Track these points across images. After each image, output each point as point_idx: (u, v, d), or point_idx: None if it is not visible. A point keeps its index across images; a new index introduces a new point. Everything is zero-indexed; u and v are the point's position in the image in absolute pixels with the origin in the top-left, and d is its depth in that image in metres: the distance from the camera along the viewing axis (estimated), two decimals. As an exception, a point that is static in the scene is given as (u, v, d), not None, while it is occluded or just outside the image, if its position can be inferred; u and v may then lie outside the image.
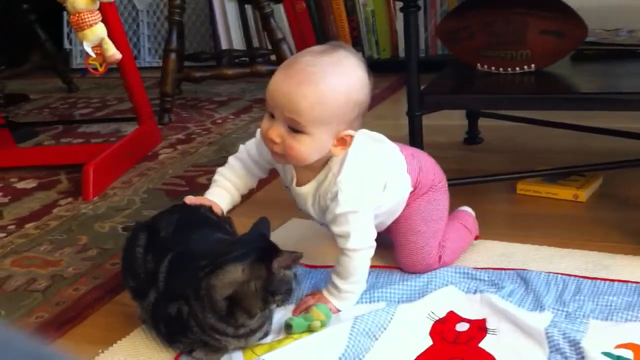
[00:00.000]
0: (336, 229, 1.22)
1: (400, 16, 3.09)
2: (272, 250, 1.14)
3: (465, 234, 1.44)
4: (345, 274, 1.24)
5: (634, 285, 1.24)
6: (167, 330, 1.17)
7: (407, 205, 1.36)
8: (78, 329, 1.31)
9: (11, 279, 1.52)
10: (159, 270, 1.17)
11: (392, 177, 1.31)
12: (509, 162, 1.94)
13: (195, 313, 1.11)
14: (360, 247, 1.23)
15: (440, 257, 1.36)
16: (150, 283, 1.17)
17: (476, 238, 1.47)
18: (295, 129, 1.15)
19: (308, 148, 1.16)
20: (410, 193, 1.35)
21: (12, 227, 1.81)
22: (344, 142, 1.19)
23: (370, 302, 1.28)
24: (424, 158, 1.40)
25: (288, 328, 1.21)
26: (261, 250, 1.14)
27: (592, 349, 1.06)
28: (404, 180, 1.33)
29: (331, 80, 1.14)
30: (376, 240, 1.27)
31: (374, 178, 1.27)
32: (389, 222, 1.37)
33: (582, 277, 1.29)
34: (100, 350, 1.20)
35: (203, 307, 1.10)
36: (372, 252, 1.26)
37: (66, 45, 3.96)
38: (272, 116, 1.17)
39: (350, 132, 1.19)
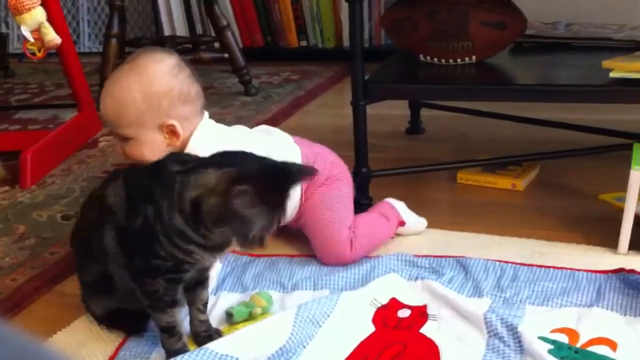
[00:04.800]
0: None
1: (344, 5, 3.11)
2: (276, 181, 1.01)
3: (379, 219, 1.44)
4: None
5: (569, 271, 1.29)
6: (141, 258, 1.05)
7: (310, 195, 1.39)
8: (16, 320, 1.28)
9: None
10: (110, 201, 1.08)
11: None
12: (450, 151, 1.98)
13: (161, 213, 1.02)
14: None
15: (351, 243, 1.37)
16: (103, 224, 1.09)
17: (401, 224, 1.47)
18: (123, 137, 1.26)
19: (139, 149, 1.26)
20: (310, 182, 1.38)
21: (-54, 216, 1.75)
22: (172, 132, 1.26)
23: (314, 289, 1.29)
24: (322, 150, 1.46)
25: (229, 317, 1.21)
26: (261, 172, 1.01)
27: (529, 333, 1.09)
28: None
29: (123, 84, 1.24)
30: None
31: None
32: (291, 210, 1.37)
33: (519, 263, 1.32)
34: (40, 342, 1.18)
35: (171, 205, 1.01)
36: None
37: (3, 29, 3.84)
38: None
39: (171, 121, 1.25)
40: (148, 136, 1.24)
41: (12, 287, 1.38)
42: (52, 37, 1.87)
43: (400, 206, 1.49)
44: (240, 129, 1.41)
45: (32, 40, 1.86)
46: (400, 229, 1.47)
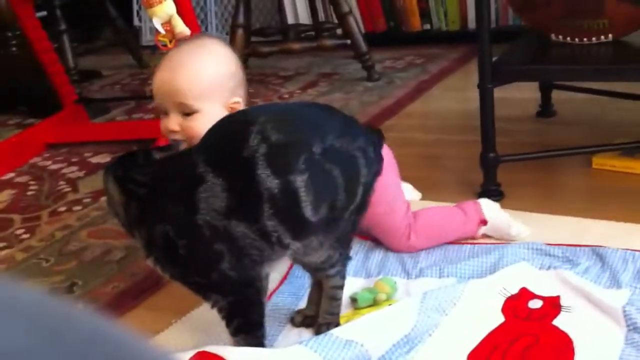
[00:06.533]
0: None
1: (470, -14, 3.03)
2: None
3: (454, 212, 1.39)
4: None
5: None
6: None
7: None
8: (153, 298, 1.34)
9: (88, 250, 1.57)
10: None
11: None
12: (584, 135, 1.88)
13: None
14: None
15: (409, 236, 1.35)
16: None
17: (482, 223, 1.39)
18: (187, 112, 1.23)
19: (205, 123, 1.20)
20: None
21: (88, 200, 1.86)
22: (234, 111, 1.26)
23: (439, 277, 1.27)
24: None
25: (353, 302, 1.22)
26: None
27: (672, 328, 1.02)
28: None
29: (197, 58, 1.25)
30: None
31: None
32: None
33: (662, 254, 1.24)
34: (173, 320, 1.23)
35: None
36: None
37: (136, 22, 4.02)
38: (165, 114, 1.26)
39: (236, 99, 1.26)
40: (214, 111, 1.23)
41: (149, 267, 1.43)
42: (182, 29, 1.93)
43: (487, 206, 1.40)
44: None
45: (163, 32, 1.93)
46: (487, 230, 1.40)
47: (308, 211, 1.01)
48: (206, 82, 1.24)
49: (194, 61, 1.25)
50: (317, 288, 1.18)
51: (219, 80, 1.25)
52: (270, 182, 0.98)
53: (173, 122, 1.24)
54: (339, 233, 1.07)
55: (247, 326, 1.08)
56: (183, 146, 1.18)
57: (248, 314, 1.07)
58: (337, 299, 1.15)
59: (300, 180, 0.99)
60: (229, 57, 1.28)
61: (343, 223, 1.06)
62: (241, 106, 1.27)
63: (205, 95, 1.23)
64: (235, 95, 1.27)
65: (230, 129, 1.06)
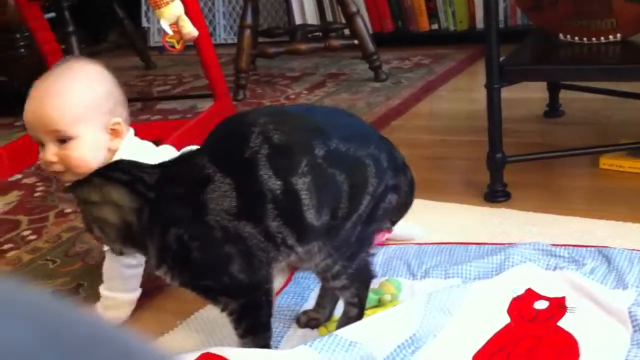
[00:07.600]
0: None
1: (477, -14, 3.02)
2: None
3: None
4: None
5: None
6: None
7: None
8: (157, 300, 1.34)
9: (93, 251, 1.57)
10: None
11: None
12: (591, 135, 1.87)
13: None
14: None
15: None
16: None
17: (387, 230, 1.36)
18: (63, 139, 1.19)
19: (83, 149, 1.18)
20: None
21: (95, 201, 1.86)
22: (116, 132, 1.23)
23: (445, 278, 1.27)
24: None
25: (359, 303, 1.21)
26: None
27: (680, 330, 1.01)
28: None
29: (66, 81, 1.21)
30: None
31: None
32: None
33: (669, 255, 1.23)
34: (178, 322, 1.23)
35: None
36: None
37: (144, 23, 4.04)
38: (42, 146, 1.21)
39: (117, 119, 1.23)
40: (92, 135, 1.20)
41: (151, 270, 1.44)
42: (190, 29, 1.94)
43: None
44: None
45: (170, 33, 1.94)
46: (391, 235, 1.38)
47: (311, 215, 0.98)
48: (79, 105, 1.19)
49: (64, 85, 1.20)
50: (325, 292, 1.17)
51: (93, 101, 1.21)
52: (272, 183, 0.97)
53: (49, 154, 1.19)
54: (339, 242, 1.03)
55: (256, 328, 1.07)
56: (65, 177, 1.18)
57: (257, 316, 1.06)
58: (349, 317, 1.11)
59: (302, 183, 0.97)
60: (103, 77, 1.25)
61: (344, 232, 1.02)
62: (123, 127, 1.24)
63: (80, 120, 1.19)
64: (115, 116, 1.23)
65: (231, 130, 1.03)
